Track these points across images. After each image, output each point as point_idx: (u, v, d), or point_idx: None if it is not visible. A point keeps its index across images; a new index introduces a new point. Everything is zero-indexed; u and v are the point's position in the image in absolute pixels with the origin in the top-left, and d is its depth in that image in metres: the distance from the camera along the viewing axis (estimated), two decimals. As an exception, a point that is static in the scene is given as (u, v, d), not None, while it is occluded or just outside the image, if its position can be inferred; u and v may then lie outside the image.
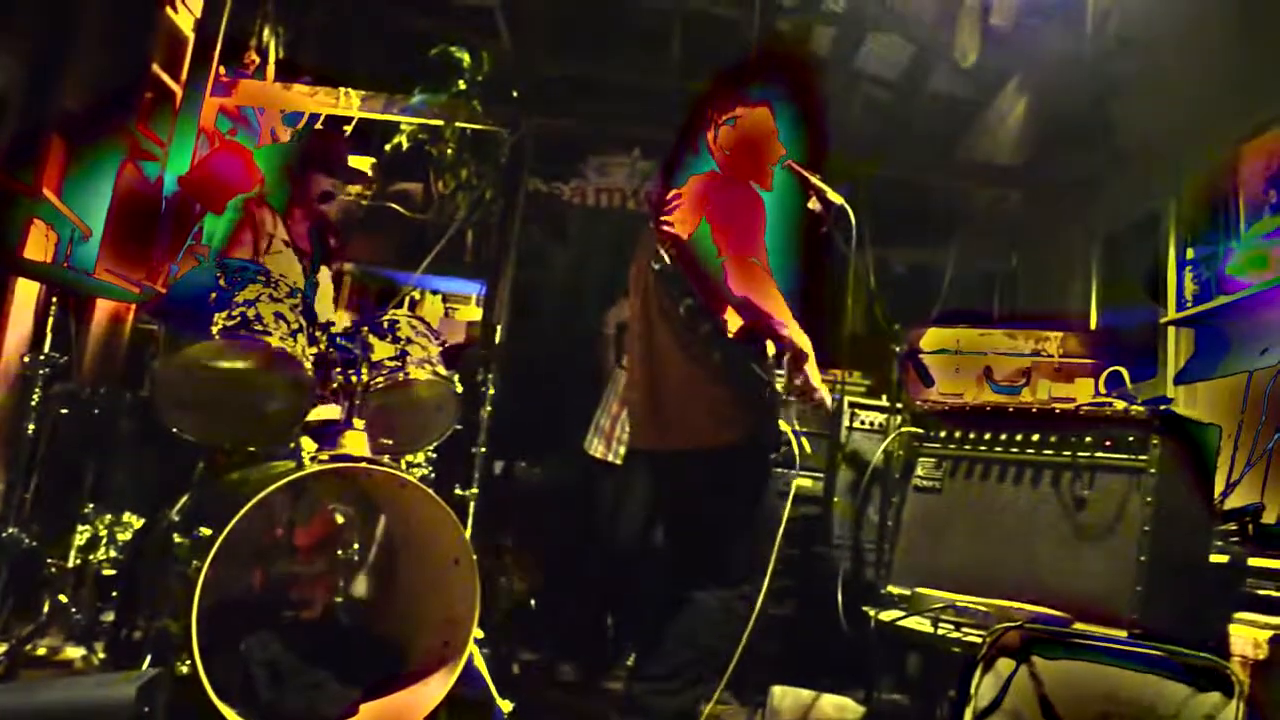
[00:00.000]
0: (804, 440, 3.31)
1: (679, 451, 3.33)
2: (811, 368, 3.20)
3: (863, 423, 4.74)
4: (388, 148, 7.00)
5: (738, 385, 3.20)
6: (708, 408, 3.22)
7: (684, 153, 3.47)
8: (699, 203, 3.25)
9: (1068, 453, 3.20)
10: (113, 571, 3.98)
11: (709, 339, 3.21)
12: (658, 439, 3.41)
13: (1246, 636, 2.81)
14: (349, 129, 6.68)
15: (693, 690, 3.15)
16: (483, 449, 4.69)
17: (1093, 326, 5.93)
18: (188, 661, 2.71)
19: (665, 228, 3.31)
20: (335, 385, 3.54)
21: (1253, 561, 3.05)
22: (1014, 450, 3.34)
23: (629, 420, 3.72)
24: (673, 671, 3.13)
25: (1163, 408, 3.10)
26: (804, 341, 3.18)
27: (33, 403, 3.96)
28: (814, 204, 3.45)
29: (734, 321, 3.24)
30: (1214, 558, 3.15)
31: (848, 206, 3.44)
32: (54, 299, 4.27)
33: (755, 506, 3.29)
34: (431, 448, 4.09)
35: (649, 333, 3.38)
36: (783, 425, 3.34)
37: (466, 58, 6.68)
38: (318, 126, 6.81)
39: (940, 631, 3.11)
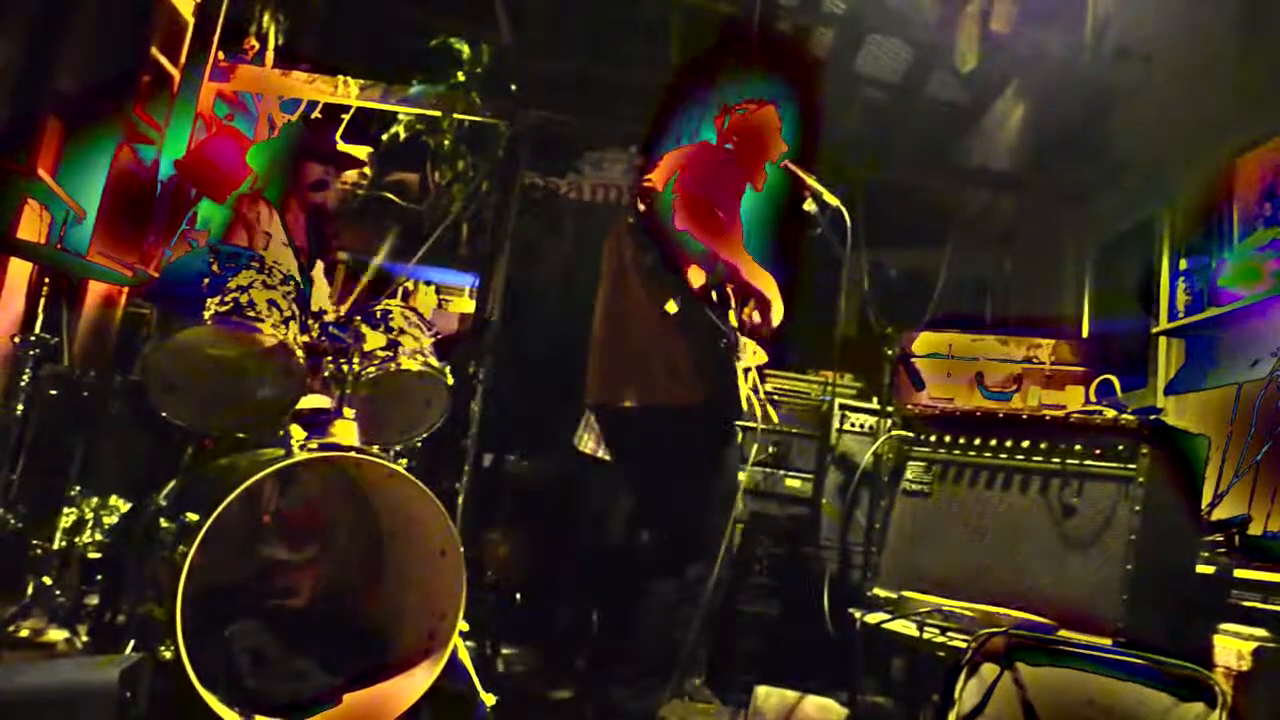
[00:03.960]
0: (769, 408, 3.30)
1: (637, 407, 3.32)
2: (776, 308, 3.23)
3: (853, 425, 4.75)
4: (385, 137, 7.00)
5: (698, 344, 3.19)
6: (667, 365, 3.22)
7: (664, 133, 3.53)
8: (677, 159, 3.30)
9: (1057, 460, 3.21)
10: (98, 555, 3.97)
11: (671, 293, 3.21)
12: (615, 394, 3.40)
13: (1231, 648, 2.81)
14: (346, 118, 6.67)
15: (665, 686, 3.16)
16: (473, 441, 4.68)
17: (1085, 334, 5.93)
18: (171, 647, 2.70)
19: (644, 183, 3.34)
20: (326, 374, 3.53)
21: (1239, 573, 3.05)
22: (1003, 456, 3.34)
23: (589, 374, 3.63)
24: (645, 670, 3.15)
25: (1152, 417, 3.11)
26: (766, 284, 3.20)
27: (22, 383, 3.95)
28: (810, 205, 3.46)
29: (697, 279, 3.23)
30: (1200, 568, 3.16)
31: (843, 208, 3.44)
32: (46, 280, 4.25)
33: (714, 473, 3.28)
34: (421, 438, 4.08)
35: (615, 289, 3.40)
36: (744, 388, 3.31)
37: (466, 49, 6.69)
38: (313, 116, 6.81)
39: (925, 635, 3.12)
